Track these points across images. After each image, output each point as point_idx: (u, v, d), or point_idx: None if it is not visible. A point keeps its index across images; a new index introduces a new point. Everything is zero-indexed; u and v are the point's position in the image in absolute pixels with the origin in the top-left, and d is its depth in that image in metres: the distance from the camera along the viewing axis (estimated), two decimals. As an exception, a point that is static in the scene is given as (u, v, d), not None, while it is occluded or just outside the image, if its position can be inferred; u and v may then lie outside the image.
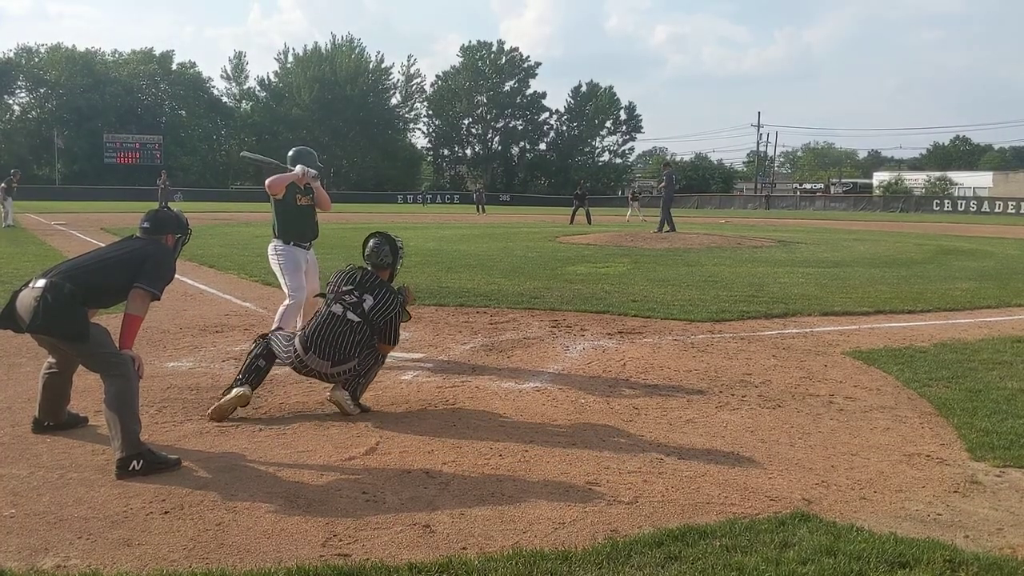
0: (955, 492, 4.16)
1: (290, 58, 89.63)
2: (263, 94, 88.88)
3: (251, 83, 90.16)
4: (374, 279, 5.63)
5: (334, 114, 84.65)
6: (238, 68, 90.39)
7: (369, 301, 5.51)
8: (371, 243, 5.83)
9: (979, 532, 3.68)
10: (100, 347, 4.46)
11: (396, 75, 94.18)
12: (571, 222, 34.12)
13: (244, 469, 4.39)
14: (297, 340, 5.48)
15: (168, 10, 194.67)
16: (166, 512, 3.82)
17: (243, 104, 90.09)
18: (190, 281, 12.42)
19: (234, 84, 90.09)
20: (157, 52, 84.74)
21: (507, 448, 4.78)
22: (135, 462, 4.28)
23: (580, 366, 6.97)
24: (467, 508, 3.88)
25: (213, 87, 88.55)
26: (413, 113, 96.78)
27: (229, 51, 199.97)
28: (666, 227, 24.39)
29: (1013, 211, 55.78)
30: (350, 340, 5.41)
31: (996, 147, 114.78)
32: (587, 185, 38.86)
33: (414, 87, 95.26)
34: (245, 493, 4.05)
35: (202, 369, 6.73)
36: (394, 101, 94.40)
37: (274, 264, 6.91)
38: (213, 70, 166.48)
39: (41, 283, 4.45)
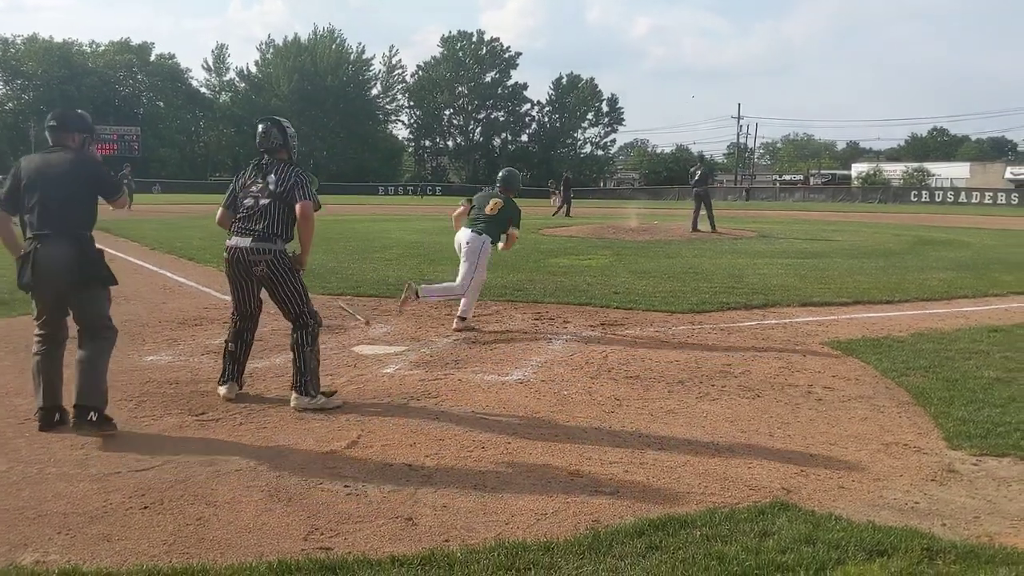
0: (932, 481, 4.21)
1: (271, 49, 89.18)
2: (243, 85, 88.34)
3: (231, 74, 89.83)
4: (271, 162, 5.65)
5: (314, 105, 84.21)
6: (220, 59, 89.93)
7: (272, 178, 5.55)
8: (259, 129, 5.76)
9: (956, 520, 3.72)
10: (108, 298, 5.05)
11: (377, 66, 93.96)
12: (557, 213, 33.97)
13: (224, 463, 4.37)
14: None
15: (146, 1, 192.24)
16: (146, 507, 3.79)
17: (222, 95, 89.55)
18: (169, 274, 12.34)
19: (215, 75, 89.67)
20: (135, 43, 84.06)
21: (489, 440, 4.79)
22: (94, 413, 4.76)
23: (563, 358, 6.98)
24: (449, 500, 3.89)
25: (192, 78, 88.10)
26: (394, 104, 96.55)
27: (207, 42, 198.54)
28: (706, 224, 22.42)
29: (990, 201, 56.30)
30: (269, 218, 5.48)
31: (973, 138, 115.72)
32: (568, 176, 38.40)
33: (395, 78, 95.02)
34: (225, 488, 4.03)
35: (181, 363, 6.69)
36: (375, 92, 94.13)
37: (482, 255, 8.20)
38: (192, 61, 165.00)
39: (55, 239, 4.80)
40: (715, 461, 4.47)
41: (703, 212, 22.56)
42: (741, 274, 12.67)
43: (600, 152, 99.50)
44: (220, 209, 5.79)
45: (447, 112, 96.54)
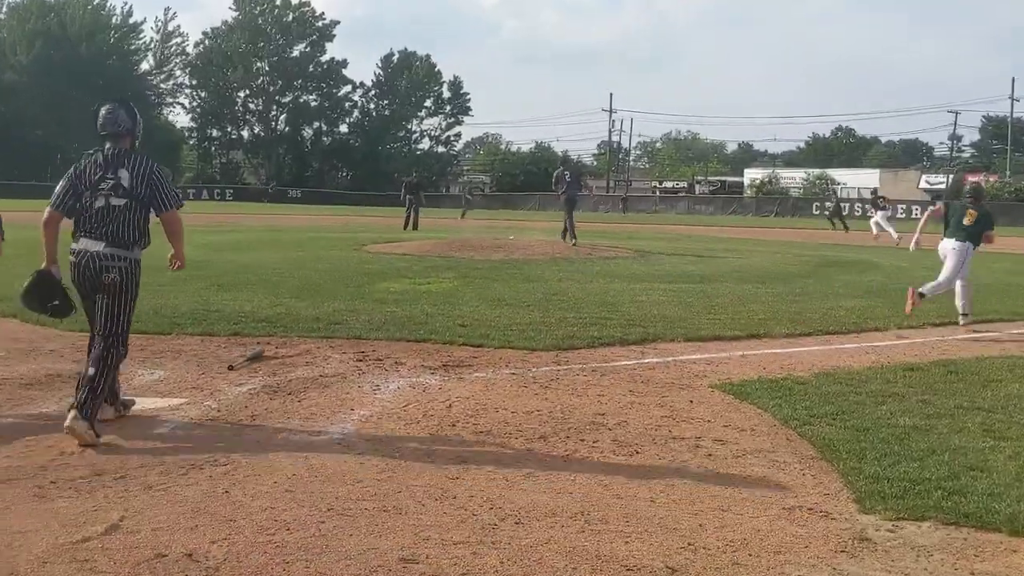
0: (842, 552, 4.41)
1: (3, 7, 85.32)
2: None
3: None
4: (118, 152, 6.18)
5: (62, 80, 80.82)
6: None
7: (124, 174, 6.10)
8: (103, 110, 6.33)
9: (869, 598, 3.91)
10: None
11: (149, 33, 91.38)
12: (405, 226, 33.45)
13: (-68, 561, 4.09)
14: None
15: None
16: None
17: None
18: None
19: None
20: None
21: (297, 519, 4.69)
22: None
23: (394, 410, 6.94)
24: (244, 600, 3.77)
25: None
26: (171, 83, 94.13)
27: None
28: (568, 236, 24.38)
29: (903, 215, 60.06)
30: (124, 222, 6.08)
31: (883, 140, 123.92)
32: (412, 180, 37.54)
33: (172, 49, 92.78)
34: (-67, 594, 3.77)
35: None
36: (145, 66, 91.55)
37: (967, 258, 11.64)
38: None
39: None
40: (585, 536, 4.54)
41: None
42: (615, 302, 13.00)
43: (442, 148, 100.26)
44: (48, 209, 6.21)
45: (242, 94, 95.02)
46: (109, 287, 6.08)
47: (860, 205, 55.44)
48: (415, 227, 33.38)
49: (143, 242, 6.26)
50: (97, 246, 6.03)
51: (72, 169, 6.27)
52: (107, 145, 6.17)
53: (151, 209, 6.30)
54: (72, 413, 5.83)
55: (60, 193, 6.16)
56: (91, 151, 6.25)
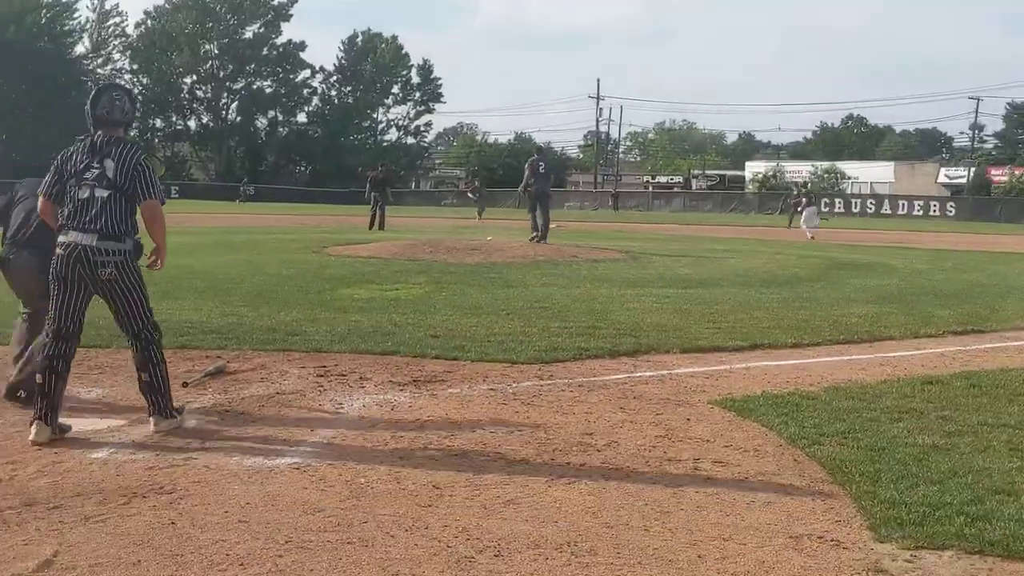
0: (855, 584, 4.43)
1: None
2: None
3: None
4: (108, 140, 6.54)
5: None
6: None
7: (110, 164, 6.46)
8: (105, 97, 6.66)
9: (886, 635, 3.93)
10: None
11: (84, 12, 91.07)
12: (371, 226, 33.30)
13: None
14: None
15: None
16: None
17: None
18: None
19: None
20: None
21: (252, 553, 4.67)
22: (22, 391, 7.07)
23: (359, 431, 6.94)
24: (193, 644, 3.75)
25: None
26: (109, 67, 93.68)
27: None
28: (533, 233, 24.89)
29: (920, 212, 60.50)
30: (111, 213, 6.44)
31: (898, 129, 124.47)
32: (379, 173, 37.24)
33: (110, 30, 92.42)
34: None
35: None
36: (80, 50, 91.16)
37: None
38: None
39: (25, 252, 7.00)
40: (572, 569, 4.54)
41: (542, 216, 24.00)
42: (604, 309, 13.02)
43: (411, 139, 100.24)
44: (41, 199, 6.76)
45: (188, 80, 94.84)
46: (108, 284, 6.51)
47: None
48: (381, 227, 33.28)
49: (133, 231, 6.66)
50: (89, 239, 6.39)
51: (60, 155, 6.67)
52: (98, 132, 6.52)
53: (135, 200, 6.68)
54: (153, 419, 6.69)
55: (48, 181, 6.63)
56: (81, 136, 6.61)
